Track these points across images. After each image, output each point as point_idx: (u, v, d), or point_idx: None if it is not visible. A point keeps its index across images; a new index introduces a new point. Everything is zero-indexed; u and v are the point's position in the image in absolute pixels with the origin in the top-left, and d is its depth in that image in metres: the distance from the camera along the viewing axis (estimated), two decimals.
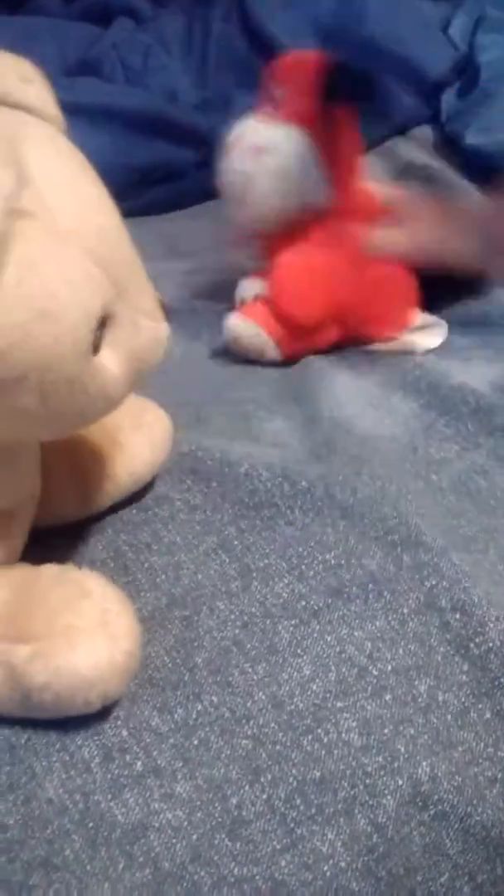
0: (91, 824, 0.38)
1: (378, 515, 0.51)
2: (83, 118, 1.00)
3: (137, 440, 0.53)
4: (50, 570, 0.44)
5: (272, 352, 0.70)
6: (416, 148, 1.12)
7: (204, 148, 1.03)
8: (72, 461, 0.51)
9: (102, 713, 0.41)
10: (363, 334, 0.72)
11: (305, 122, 0.70)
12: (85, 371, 0.37)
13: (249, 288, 0.73)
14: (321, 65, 0.70)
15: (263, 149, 0.70)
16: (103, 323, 0.37)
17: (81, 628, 0.39)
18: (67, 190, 0.38)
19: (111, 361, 0.38)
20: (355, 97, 0.71)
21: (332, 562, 0.49)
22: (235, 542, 0.51)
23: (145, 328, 0.41)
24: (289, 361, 0.70)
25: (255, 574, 0.49)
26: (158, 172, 1.01)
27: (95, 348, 0.37)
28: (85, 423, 0.41)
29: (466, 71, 1.19)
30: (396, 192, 0.78)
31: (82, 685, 0.38)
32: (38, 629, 0.39)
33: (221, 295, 0.78)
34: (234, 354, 0.71)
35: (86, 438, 0.51)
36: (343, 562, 0.49)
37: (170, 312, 0.43)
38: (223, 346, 0.72)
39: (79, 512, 0.51)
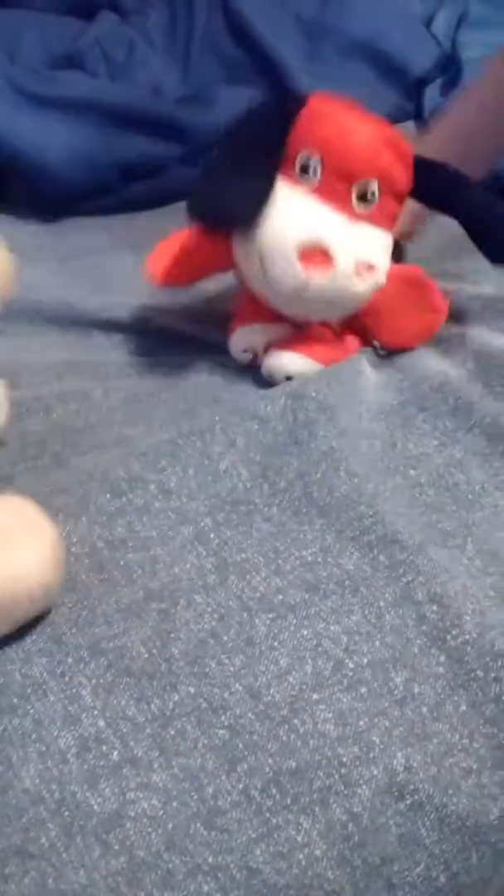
0: (67, 813, 0.38)
1: (354, 514, 0.51)
2: (67, 112, 1.00)
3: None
4: None
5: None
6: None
7: (186, 143, 1.04)
8: None
9: (79, 703, 0.41)
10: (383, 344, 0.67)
11: (392, 221, 0.63)
12: None
13: (248, 337, 0.67)
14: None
15: (329, 255, 0.60)
16: None
17: (8, 530, 0.43)
18: None
19: None
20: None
21: (309, 558, 0.49)
22: (212, 536, 0.51)
23: None
24: None
25: (231, 568, 0.49)
26: (141, 168, 1.01)
27: None
28: None
29: (449, 67, 1.20)
30: None
31: (19, 580, 0.41)
32: None
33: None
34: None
35: None
36: (320, 559, 0.49)
37: None
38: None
39: None
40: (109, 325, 0.73)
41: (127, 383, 0.67)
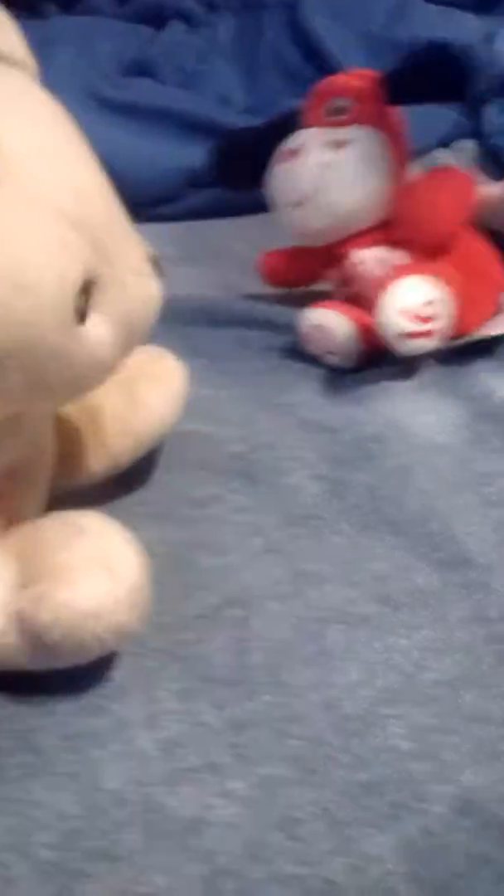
0: (150, 816, 0.39)
1: (425, 532, 0.52)
2: (137, 118, 1.02)
3: (154, 394, 0.52)
4: (49, 515, 0.44)
5: (352, 344, 0.68)
6: (458, 160, 1.13)
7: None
8: (90, 418, 0.50)
9: (159, 706, 0.43)
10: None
11: (380, 124, 0.72)
12: (70, 342, 0.36)
13: (313, 318, 0.70)
14: (397, 67, 0.74)
15: (345, 141, 0.71)
16: (87, 289, 0.36)
17: (80, 565, 0.39)
18: (39, 151, 0.36)
19: (100, 326, 0.38)
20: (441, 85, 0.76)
21: (381, 572, 0.50)
22: (284, 546, 0.52)
23: (134, 286, 0.40)
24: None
25: (304, 578, 0.50)
26: (207, 177, 1.02)
27: (81, 316, 0.36)
28: (80, 393, 0.41)
29: None
30: None
31: (87, 619, 0.38)
32: (40, 570, 0.40)
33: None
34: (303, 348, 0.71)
35: (101, 394, 0.50)
36: (391, 573, 0.50)
37: (159, 266, 0.42)
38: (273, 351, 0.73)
39: (102, 469, 0.51)
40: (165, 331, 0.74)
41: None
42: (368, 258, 0.71)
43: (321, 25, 1.17)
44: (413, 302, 0.63)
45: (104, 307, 0.38)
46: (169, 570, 0.50)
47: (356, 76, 0.75)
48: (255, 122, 1.07)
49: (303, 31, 1.18)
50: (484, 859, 0.40)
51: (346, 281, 0.73)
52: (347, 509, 0.54)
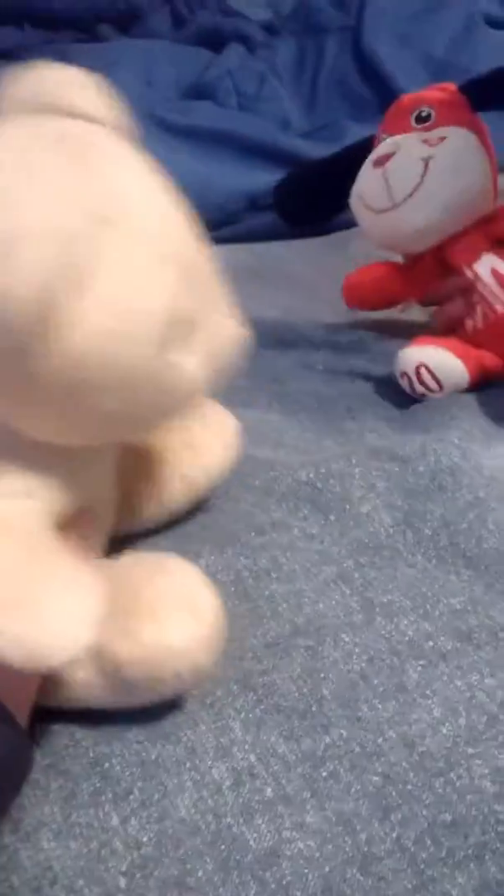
0: (223, 847, 0.38)
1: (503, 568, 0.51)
2: (198, 141, 1.02)
3: (208, 439, 0.54)
4: (129, 554, 0.45)
5: (463, 383, 0.69)
6: None
7: None
8: (145, 464, 0.51)
9: (229, 736, 0.42)
10: None
11: (466, 123, 0.72)
12: (166, 371, 0.38)
13: (414, 358, 0.69)
14: (478, 77, 0.74)
15: (441, 138, 0.71)
16: (180, 324, 0.38)
17: (164, 603, 0.40)
18: (142, 196, 0.38)
19: (190, 361, 0.40)
20: None
21: (458, 607, 0.49)
22: (356, 576, 0.51)
23: (220, 325, 0.42)
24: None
25: (378, 609, 0.49)
26: (268, 199, 1.02)
27: (176, 349, 0.38)
28: (166, 420, 0.43)
29: None
30: None
31: (171, 657, 0.39)
32: (122, 607, 0.40)
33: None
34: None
35: (157, 440, 0.52)
36: (470, 608, 0.49)
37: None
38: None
39: (156, 516, 0.52)
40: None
41: (254, 412, 0.67)
42: (483, 272, 0.71)
43: (383, 50, 1.17)
44: None
45: (195, 342, 0.40)
46: (236, 598, 0.49)
47: (437, 89, 0.76)
48: (315, 146, 1.08)
49: (364, 55, 1.18)
50: None
51: (464, 293, 0.72)
52: (422, 541, 0.53)
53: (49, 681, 0.41)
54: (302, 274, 0.93)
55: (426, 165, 0.69)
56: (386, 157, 0.71)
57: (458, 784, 0.40)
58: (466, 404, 0.67)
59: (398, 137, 0.73)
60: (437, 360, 0.68)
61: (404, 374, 0.69)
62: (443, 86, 0.76)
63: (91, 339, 0.35)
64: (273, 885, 0.37)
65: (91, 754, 0.41)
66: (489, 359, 0.70)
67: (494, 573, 0.50)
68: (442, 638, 0.47)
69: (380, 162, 0.72)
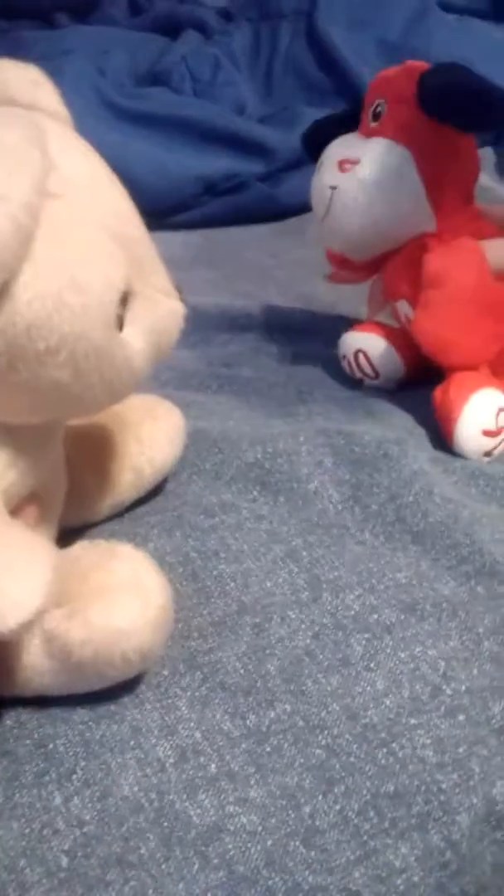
0: (166, 823, 0.38)
1: (451, 542, 0.51)
2: (153, 127, 1.02)
3: (155, 432, 0.54)
4: (79, 542, 0.45)
5: (397, 371, 0.68)
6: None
7: (268, 161, 1.05)
8: (92, 456, 0.52)
9: (175, 714, 0.42)
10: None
11: (407, 135, 0.62)
12: (112, 342, 0.39)
13: (354, 343, 0.69)
14: (425, 74, 0.61)
15: (353, 160, 0.63)
16: (124, 299, 0.40)
17: (114, 585, 0.41)
18: (86, 174, 0.40)
19: (133, 336, 0.41)
20: (467, 118, 0.61)
21: (404, 581, 0.49)
22: (304, 554, 0.51)
23: (162, 304, 0.43)
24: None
25: (324, 585, 0.49)
26: (223, 185, 1.02)
27: (120, 324, 0.40)
28: (113, 398, 0.43)
29: None
30: None
31: (119, 638, 0.39)
32: (72, 591, 0.41)
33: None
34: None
35: (104, 433, 0.53)
36: (415, 582, 0.49)
37: (182, 293, 0.45)
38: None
39: (104, 507, 0.53)
40: (190, 341, 0.73)
41: (204, 396, 0.67)
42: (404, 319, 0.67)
43: (337, 34, 1.17)
44: (488, 418, 0.59)
45: (136, 319, 0.41)
46: (183, 579, 0.49)
47: (405, 72, 0.64)
48: (271, 131, 1.08)
49: (318, 40, 1.17)
50: None
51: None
52: (369, 518, 0.53)
53: None
54: (256, 259, 0.93)
55: (331, 196, 0.63)
56: (319, 166, 0.66)
57: (400, 755, 0.41)
58: (418, 388, 0.67)
59: (332, 146, 0.66)
60: (373, 347, 0.68)
61: (345, 357, 0.69)
62: (414, 67, 0.64)
63: (38, 307, 0.36)
64: (216, 860, 0.37)
65: (36, 736, 0.41)
66: None
67: (440, 548, 0.51)
68: (386, 610, 0.47)
69: (317, 169, 0.67)
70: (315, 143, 0.68)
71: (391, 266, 0.66)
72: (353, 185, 0.62)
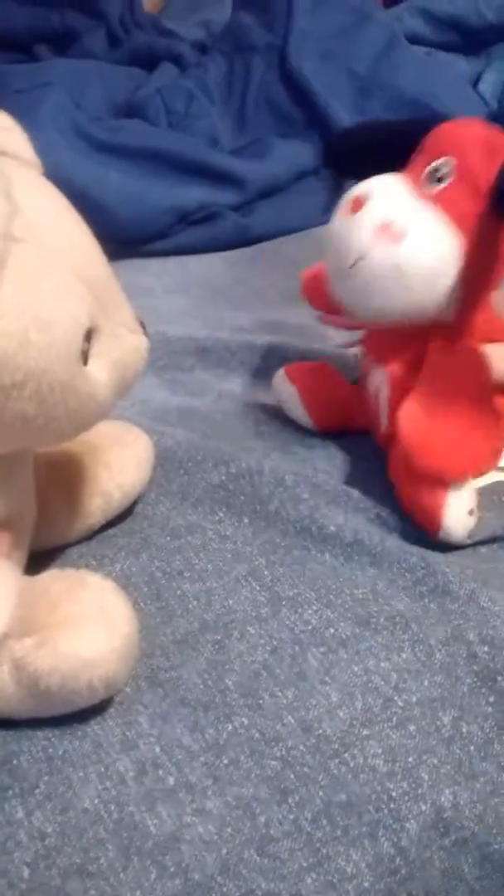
0: (125, 834, 0.39)
1: (407, 565, 0.53)
2: (128, 158, 1.04)
3: (123, 458, 0.56)
4: (49, 571, 0.47)
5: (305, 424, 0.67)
6: None
7: (241, 192, 1.07)
8: (62, 482, 0.54)
9: (136, 729, 0.43)
10: None
11: (467, 224, 0.54)
12: (77, 376, 0.41)
13: (275, 387, 0.68)
14: None
15: (398, 231, 0.53)
16: (89, 335, 0.41)
17: (82, 615, 0.42)
18: (50, 217, 0.41)
19: (98, 369, 0.42)
20: None
21: (360, 596, 0.51)
22: (265, 572, 0.52)
23: (127, 339, 0.45)
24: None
25: (284, 602, 0.50)
26: (197, 214, 1.04)
27: (85, 358, 0.41)
28: (78, 429, 0.44)
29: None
30: None
31: (86, 667, 0.41)
32: (41, 620, 0.42)
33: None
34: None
35: (74, 459, 0.55)
36: (371, 598, 0.50)
37: (144, 326, 0.47)
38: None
39: (74, 531, 0.54)
40: (157, 367, 0.75)
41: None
42: (374, 384, 0.61)
43: (308, 67, 1.20)
44: (471, 501, 0.55)
45: (101, 353, 0.43)
46: (148, 598, 0.50)
47: (486, 144, 0.55)
48: (244, 162, 1.10)
49: (290, 73, 1.20)
50: (459, 877, 0.41)
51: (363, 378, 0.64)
52: (327, 538, 0.55)
53: None
54: (230, 287, 0.95)
55: (358, 261, 0.54)
56: (356, 204, 0.55)
57: (352, 764, 0.42)
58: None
59: (379, 191, 0.55)
60: (286, 399, 0.67)
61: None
62: (497, 144, 0.55)
63: (4, 345, 0.37)
64: (172, 868, 0.38)
65: (0, 752, 0.42)
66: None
67: (397, 571, 0.52)
68: (342, 624, 0.48)
69: (347, 208, 0.56)
70: (343, 148, 0.64)
71: (389, 331, 0.60)
72: (389, 261, 0.53)
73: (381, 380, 0.60)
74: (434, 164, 0.55)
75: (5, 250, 0.38)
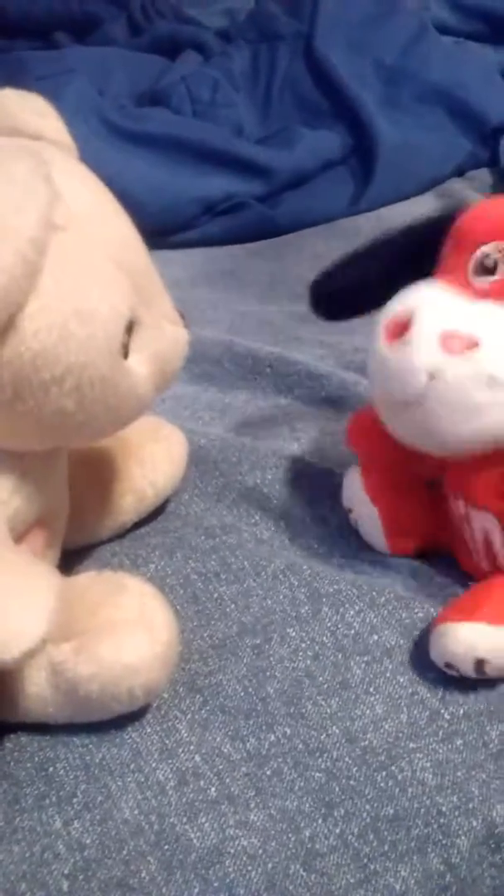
0: (167, 847, 0.38)
1: (448, 581, 0.51)
2: (152, 148, 1.02)
3: (157, 455, 0.54)
4: (86, 573, 0.46)
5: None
6: (474, 189, 1.14)
7: (266, 182, 1.06)
8: (94, 479, 0.52)
9: (175, 737, 0.42)
10: None
11: None
12: (117, 370, 0.40)
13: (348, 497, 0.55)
14: None
15: (470, 339, 0.43)
16: (130, 328, 0.40)
17: (122, 620, 0.41)
18: (90, 205, 0.40)
19: (139, 363, 0.41)
20: None
21: (404, 601, 0.49)
22: (304, 567, 0.51)
23: (167, 332, 0.44)
24: None
25: (324, 599, 0.49)
26: (223, 204, 1.02)
27: (125, 352, 0.40)
28: (117, 426, 0.44)
29: None
30: None
31: (127, 674, 0.39)
32: (80, 626, 0.41)
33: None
34: None
35: (106, 455, 0.53)
36: (415, 604, 0.49)
37: (186, 319, 0.46)
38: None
39: (105, 529, 0.53)
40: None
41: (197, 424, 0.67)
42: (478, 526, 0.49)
43: (335, 56, 1.18)
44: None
45: (142, 346, 0.42)
46: (184, 601, 0.49)
47: None
48: (269, 152, 1.08)
49: (317, 61, 1.18)
50: None
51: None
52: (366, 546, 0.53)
53: (2, 696, 0.41)
54: (256, 278, 0.94)
55: (427, 384, 0.44)
56: (398, 328, 0.45)
57: (399, 777, 0.41)
58: None
59: (416, 304, 0.45)
60: (364, 514, 0.54)
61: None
62: None
63: (44, 337, 0.36)
64: (216, 883, 0.37)
65: (36, 759, 0.41)
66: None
67: (436, 585, 0.51)
68: (386, 632, 0.47)
69: (391, 331, 0.45)
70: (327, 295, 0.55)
71: (474, 462, 0.47)
72: (468, 375, 0.43)
73: (489, 527, 0.48)
74: (478, 254, 0.46)
75: (46, 240, 0.36)
